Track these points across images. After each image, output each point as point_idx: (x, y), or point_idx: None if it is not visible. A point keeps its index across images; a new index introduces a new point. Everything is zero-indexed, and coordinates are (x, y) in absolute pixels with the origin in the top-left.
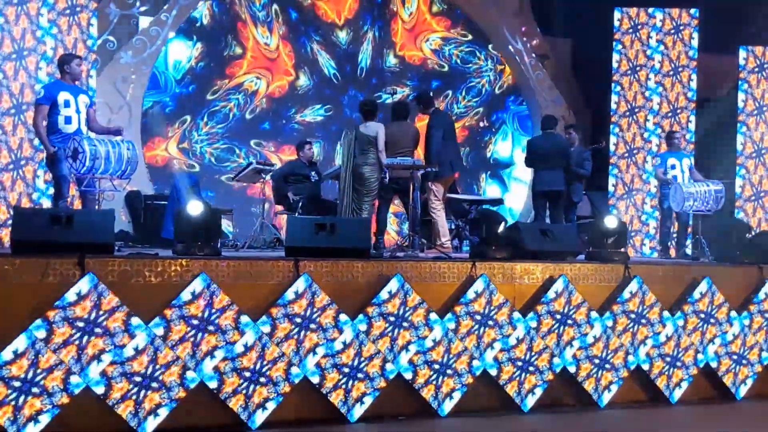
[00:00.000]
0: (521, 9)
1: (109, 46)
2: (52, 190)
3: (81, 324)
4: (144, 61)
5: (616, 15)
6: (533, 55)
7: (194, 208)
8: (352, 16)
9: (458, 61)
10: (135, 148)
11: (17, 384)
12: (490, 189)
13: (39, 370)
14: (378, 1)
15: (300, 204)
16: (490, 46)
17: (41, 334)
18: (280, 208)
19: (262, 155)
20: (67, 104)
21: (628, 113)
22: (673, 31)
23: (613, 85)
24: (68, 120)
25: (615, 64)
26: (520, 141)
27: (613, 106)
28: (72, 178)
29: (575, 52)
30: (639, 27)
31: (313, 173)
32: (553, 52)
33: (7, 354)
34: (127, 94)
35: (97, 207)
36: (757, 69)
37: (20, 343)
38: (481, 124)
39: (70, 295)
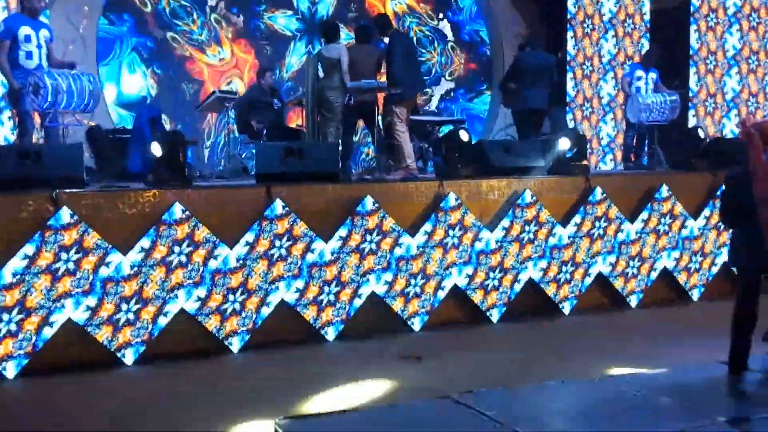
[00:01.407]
0: None
1: None
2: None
3: (60, 256)
4: None
5: None
6: None
7: (156, 149)
8: None
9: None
10: (96, 81)
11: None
12: None
13: (22, 303)
14: None
15: (264, 132)
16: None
17: (23, 263)
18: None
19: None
20: (27, 39)
21: (585, 24)
22: None
23: None
24: (29, 55)
25: None
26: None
27: (571, 8)
28: (34, 114)
29: None
30: None
31: (275, 100)
32: None
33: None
34: (80, 26)
35: (62, 141)
36: None
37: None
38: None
39: (49, 228)
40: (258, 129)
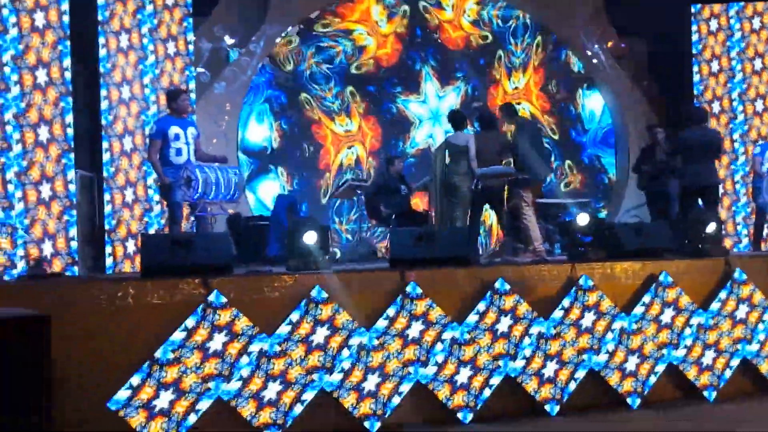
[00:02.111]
0: (596, 11)
1: (203, 78)
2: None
3: (211, 337)
4: (237, 91)
5: (693, 10)
6: (610, 55)
7: (310, 237)
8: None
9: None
10: (241, 174)
11: (154, 397)
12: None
13: (175, 383)
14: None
15: (392, 216)
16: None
17: (177, 345)
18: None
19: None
20: (177, 137)
21: (714, 104)
22: (756, 25)
23: (695, 76)
24: (179, 152)
25: (696, 59)
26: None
27: (696, 101)
28: (184, 205)
29: (651, 50)
30: (718, 21)
31: (402, 186)
32: (630, 51)
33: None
34: (222, 124)
35: (210, 229)
36: None
37: (157, 358)
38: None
39: (201, 311)
40: (386, 214)
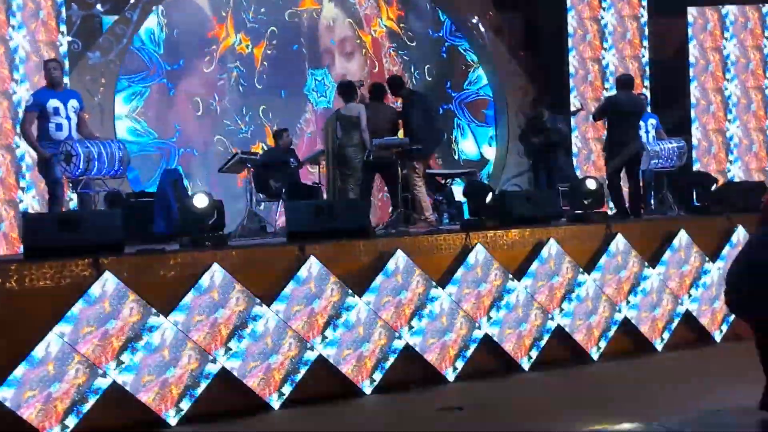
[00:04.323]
0: None
1: (74, 48)
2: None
3: (104, 321)
4: (112, 61)
5: None
6: (489, 28)
7: (200, 200)
8: None
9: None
10: (125, 149)
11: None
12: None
13: (68, 368)
14: None
15: (282, 190)
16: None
17: (67, 329)
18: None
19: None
20: (56, 111)
21: (584, 79)
22: None
23: (569, 50)
24: (59, 127)
25: (571, 30)
26: (480, 133)
27: (572, 70)
28: (65, 181)
29: (527, 24)
30: None
31: (291, 159)
32: (505, 24)
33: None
34: (98, 95)
35: (93, 207)
36: (704, 28)
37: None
38: None
39: (92, 294)
40: (276, 188)
